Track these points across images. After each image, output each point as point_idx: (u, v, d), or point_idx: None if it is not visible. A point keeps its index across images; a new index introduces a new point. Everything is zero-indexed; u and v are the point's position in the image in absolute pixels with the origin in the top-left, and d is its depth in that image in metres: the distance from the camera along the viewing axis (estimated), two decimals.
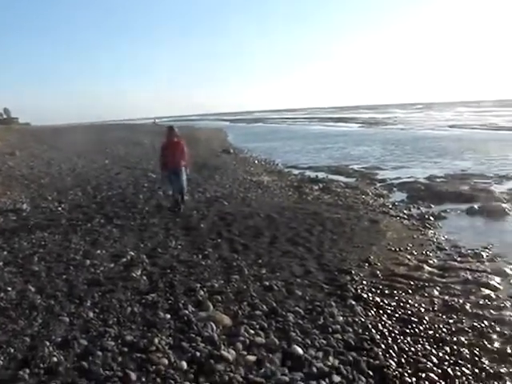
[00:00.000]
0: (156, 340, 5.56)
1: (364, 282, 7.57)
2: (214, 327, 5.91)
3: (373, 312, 6.48)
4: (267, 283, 7.44)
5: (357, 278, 7.73)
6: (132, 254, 9.05)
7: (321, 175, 20.84)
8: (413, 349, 5.46)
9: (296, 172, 22.30)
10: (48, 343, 5.54)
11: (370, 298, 6.94)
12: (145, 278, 7.81)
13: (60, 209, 13.48)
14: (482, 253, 9.34)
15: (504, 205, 13.58)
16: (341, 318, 6.21)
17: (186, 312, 6.35)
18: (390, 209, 13.67)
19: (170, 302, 6.76)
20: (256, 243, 9.74)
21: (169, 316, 6.27)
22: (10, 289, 7.34)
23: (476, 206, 13.64)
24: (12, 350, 5.40)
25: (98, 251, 9.34)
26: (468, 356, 5.35)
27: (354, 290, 7.20)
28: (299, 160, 27.66)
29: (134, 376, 4.85)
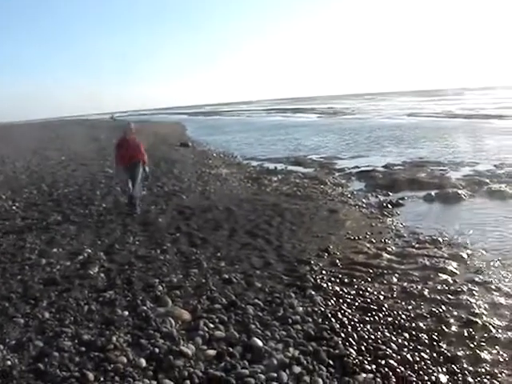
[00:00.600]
0: (114, 338, 5.46)
1: (323, 272, 7.59)
2: (173, 322, 5.84)
3: (332, 301, 6.48)
4: (226, 276, 7.39)
5: (316, 268, 7.74)
6: (89, 251, 8.89)
7: (279, 166, 20.85)
8: (372, 336, 5.48)
9: (255, 164, 22.30)
10: (1, 346, 5.38)
11: (330, 288, 6.95)
12: (102, 275, 7.68)
13: (14, 208, 13.15)
14: (440, 238, 9.48)
15: (460, 191, 13.81)
16: (300, 309, 6.20)
17: (145, 308, 6.26)
18: (349, 198, 13.79)
19: (128, 298, 6.66)
20: (215, 236, 9.68)
21: (127, 313, 6.17)
22: None
23: (433, 193, 13.85)
24: None
25: (55, 250, 9.13)
26: (427, 341, 5.41)
27: (313, 280, 7.20)
28: (258, 152, 27.63)
29: (91, 376, 4.74)
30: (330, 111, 77.97)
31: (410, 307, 6.34)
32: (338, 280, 7.27)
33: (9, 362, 5.04)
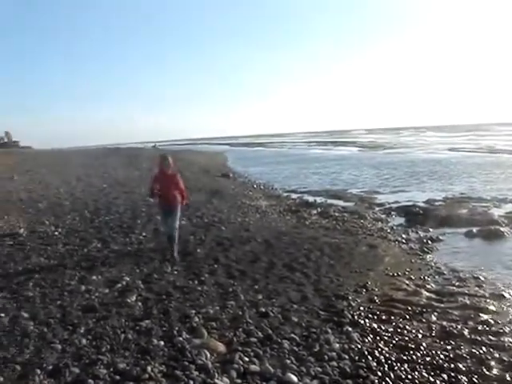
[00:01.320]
0: (149, 368, 5.45)
1: (361, 308, 7.50)
2: (208, 355, 5.81)
3: (369, 338, 6.39)
4: (263, 309, 7.35)
5: (354, 304, 7.65)
6: (127, 279, 8.95)
7: (319, 199, 20.85)
8: (410, 376, 5.37)
9: (294, 196, 22.33)
10: (39, 371, 5.43)
11: (367, 325, 6.86)
12: (140, 304, 7.71)
13: (57, 233, 13.38)
14: (481, 277, 9.30)
15: (502, 228, 13.58)
16: (337, 345, 6.12)
17: (180, 339, 6.25)
18: (389, 233, 13.65)
19: (164, 328, 6.66)
20: (253, 269, 9.67)
21: (162, 343, 6.16)
22: (2, 315, 7.21)
23: (474, 230, 13.62)
24: (1, 379, 5.30)
25: (94, 277, 9.22)
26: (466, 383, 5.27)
27: (350, 316, 7.12)
28: (298, 184, 27.69)
29: None
30: (371, 145, 77.76)
31: (449, 347, 6.20)
32: (375, 317, 7.17)
33: None
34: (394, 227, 14.67)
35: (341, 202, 20.16)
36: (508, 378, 5.42)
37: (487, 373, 5.54)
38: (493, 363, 5.79)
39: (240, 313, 7.23)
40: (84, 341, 6.27)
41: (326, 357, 5.80)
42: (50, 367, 5.55)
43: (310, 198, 21.24)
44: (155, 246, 11.54)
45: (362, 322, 6.95)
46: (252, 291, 8.30)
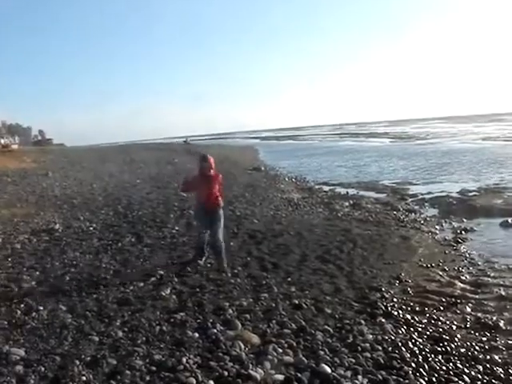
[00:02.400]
0: (184, 359, 5.52)
1: (394, 300, 7.47)
2: (242, 346, 5.87)
3: (403, 330, 6.37)
4: (296, 301, 7.36)
5: (387, 296, 7.63)
6: (161, 273, 9.04)
7: (351, 191, 20.80)
8: (444, 368, 5.34)
9: (326, 188, 22.27)
10: (78, 362, 5.53)
11: (401, 316, 6.83)
12: (174, 296, 7.79)
13: (91, 228, 13.59)
14: None
15: None
16: (370, 336, 6.12)
17: (215, 331, 6.31)
18: (422, 224, 13.53)
19: (198, 320, 6.72)
20: (286, 261, 9.69)
21: (197, 335, 6.23)
22: (41, 308, 7.37)
23: (510, 220, 13.42)
24: (43, 369, 5.41)
25: (128, 270, 9.37)
26: (502, 375, 5.22)
27: (384, 308, 7.10)
28: (330, 176, 27.61)
29: None
30: (404, 136, 77.06)
31: (484, 339, 6.15)
32: (409, 308, 7.15)
33: (84, 378, 5.18)
34: (427, 218, 14.53)
35: (373, 194, 20.07)
36: None
37: None
38: None
39: (273, 305, 7.26)
40: (120, 333, 6.37)
41: (359, 348, 5.80)
42: (88, 358, 5.64)
43: (342, 190, 21.21)
44: (188, 240, 11.61)
45: (396, 313, 6.93)
46: (285, 283, 8.33)
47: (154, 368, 5.37)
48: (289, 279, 8.57)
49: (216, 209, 9.34)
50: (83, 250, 11.06)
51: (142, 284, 8.48)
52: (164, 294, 7.89)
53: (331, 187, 22.73)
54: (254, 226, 13.16)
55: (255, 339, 6.08)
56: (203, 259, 9.60)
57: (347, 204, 17.23)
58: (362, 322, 6.61)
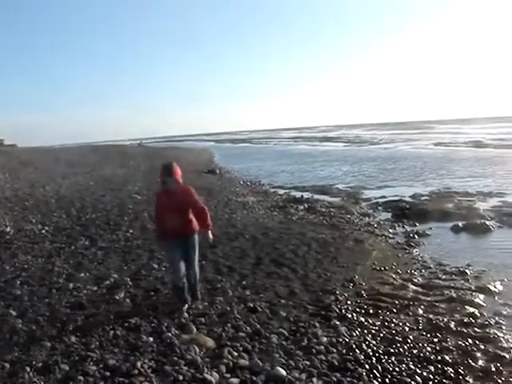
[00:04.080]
0: (138, 364, 5.46)
1: (348, 302, 7.55)
2: (197, 350, 5.84)
3: (357, 332, 6.44)
4: (251, 305, 7.37)
5: (341, 298, 7.70)
6: (116, 276, 8.96)
7: (306, 195, 20.89)
8: (397, 369, 5.42)
9: (281, 192, 22.38)
10: (29, 369, 5.43)
11: (355, 318, 6.90)
12: (128, 300, 7.72)
13: (44, 231, 13.35)
14: (467, 270, 9.37)
15: (488, 222, 13.68)
16: (325, 339, 6.17)
17: (169, 335, 6.27)
18: (375, 228, 13.73)
19: (153, 324, 6.67)
20: (241, 264, 9.70)
21: (152, 339, 6.18)
22: None
23: (460, 224, 13.72)
24: None
25: (82, 274, 9.24)
26: (453, 375, 5.32)
27: (338, 311, 7.16)
28: (285, 180, 27.76)
29: None
30: (357, 140, 78.02)
31: (435, 340, 6.26)
32: (363, 311, 7.22)
33: None
34: (381, 222, 14.76)
35: (328, 198, 20.22)
36: (493, 369, 5.47)
37: (473, 364, 5.60)
38: (478, 355, 5.86)
39: (228, 308, 7.26)
40: (73, 338, 6.27)
41: (314, 350, 5.84)
42: (40, 364, 5.55)
43: (297, 194, 21.31)
44: (142, 243, 11.52)
45: (350, 315, 7.00)
46: (240, 287, 8.33)
47: (107, 373, 5.30)
48: (244, 282, 8.58)
49: (190, 234, 7.29)
50: (35, 254, 10.87)
51: (95, 288, 8.39)
52: (118, 297, 7.82)
53: (286, 191, 22.84)
54: None
55: (210, 343, 6.07)
56: (186, 306, 7.23)
57: (302, 208, 17.35)
58: (317, 324, 6.65)
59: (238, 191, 21.91)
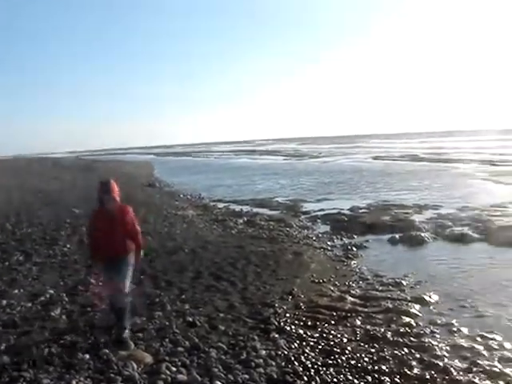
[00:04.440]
0: (74, 382, 5.35)
1: (287, 315, 7.59)
2: (135, 366, 5.76)
3: (296, 344, 6.48)
4: (190, 319, 7.33)
5: (280, 311, 7.74)
6: (51, 292, 8.75)
7: (245, 208, 20.95)
8: (335, 380, 5.48)
9: (221, 205, 22.33)
10: None
11: (293, 331, 6.95)
12: (64, 317, 7.55)
13: None
14: (403, 281, 9.59)
15: (423, 234, 14.01)
16: (263, 352, 6.18)
17: (106, 351, 6.15)
18: (314, 241, 13.86)
19: (89, 341, 6.54)
20: (180, 278, 9.62)
21: (88, 356, 6.05)
22: None
23: (397, 236, 14.04)
24: None
25: (16, 290, 8.96)
26: None
27: (277, 323, 7.20)
28: (225, 193, 27.71)
29: None
30: (297, 154, 78.76)
31: (372, 350, 6.37)
32: (301, 323, 7.28)
33: None
34: (320, 235, 14.91)
35: (267, 211, 20.28)
36: (428, 377, 5.62)
37: (409, 372, 5.73)
38: (414, 363, 6.01)
39: (167, 323, 7.19)
40: (5, 358, 6.06)
41: (253, 364, 5.85)
42: None
43: (237, 207, 21.32)
44: (79, 258, 11.29)
45: (289, 328, 7.04)
46: (179, 301, 8.27)
47: None
48: (182, 297, 8.52)
49: (120, 255, 6.66)
50: None
51: (29, 304, 8.17)
52: (53, 314, 7.64)
53: (226, 204, 22.81)
54: (148, 243, 12.92)
55: (148, 358, 6.00)
56: (126, 324, 6.65)
57: (241, 221, 17.36)
58: (256, 337, 6.67)
59: (178, 205, 21.77)
